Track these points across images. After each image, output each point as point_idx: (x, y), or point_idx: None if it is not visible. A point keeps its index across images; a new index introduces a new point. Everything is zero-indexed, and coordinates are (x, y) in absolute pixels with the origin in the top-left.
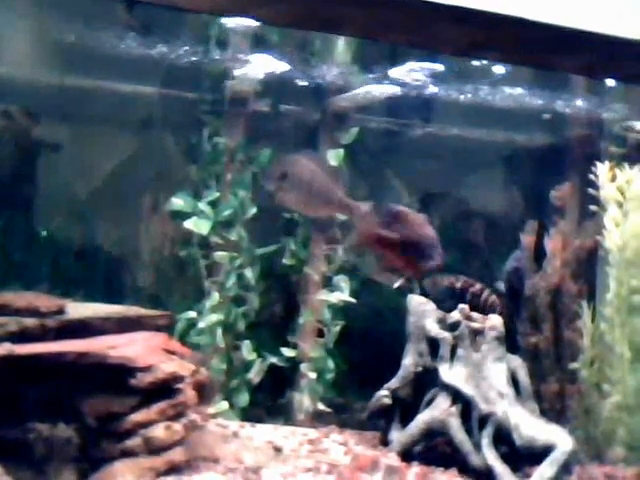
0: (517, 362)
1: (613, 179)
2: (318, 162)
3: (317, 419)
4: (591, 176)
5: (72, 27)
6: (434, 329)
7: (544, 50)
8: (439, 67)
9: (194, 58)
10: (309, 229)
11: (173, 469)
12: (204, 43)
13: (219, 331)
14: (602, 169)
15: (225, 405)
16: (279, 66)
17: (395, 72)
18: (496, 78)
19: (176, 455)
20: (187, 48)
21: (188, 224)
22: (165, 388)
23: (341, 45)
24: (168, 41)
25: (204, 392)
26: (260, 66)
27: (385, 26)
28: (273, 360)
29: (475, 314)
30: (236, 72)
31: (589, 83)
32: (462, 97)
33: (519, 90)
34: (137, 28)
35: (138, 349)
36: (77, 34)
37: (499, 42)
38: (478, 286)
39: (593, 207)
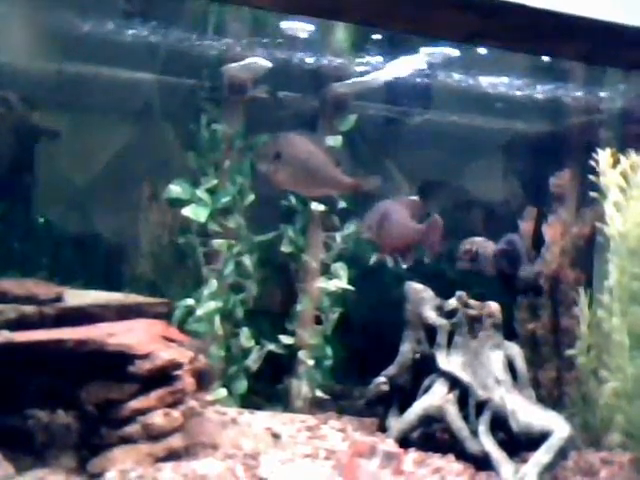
0: (514, 349)
1: (614, 165)
2: (312, 140)
3: (315, 406)
4: (591, 163)
5: (69, 14)
6: (431, 316)
7: (543, 37)
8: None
9: (192, 45)
10: (307, 216)
11: (172, 455)
12: (202, 29)
13: (217, 318)
14: (603, 156)
15: (223, 392)
16: (277, 53)
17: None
18: (495, 66)
19: (175, 441)
20: (185, 35)
21: (186, 212)
22: (164, 375)
23: (340, 32)
24: (166, 28)
25: (203, 379)
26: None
27: (385, 13)
28: (271, 347)
29: (473, 301)
30: (234, 59)
31: (586, 70)
32: (460, 84)
33: (517, 78)
34: (135, 14)
35: (137, 336)
36: (75, 21)
37: (498, 29)
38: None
39: (593, 194)
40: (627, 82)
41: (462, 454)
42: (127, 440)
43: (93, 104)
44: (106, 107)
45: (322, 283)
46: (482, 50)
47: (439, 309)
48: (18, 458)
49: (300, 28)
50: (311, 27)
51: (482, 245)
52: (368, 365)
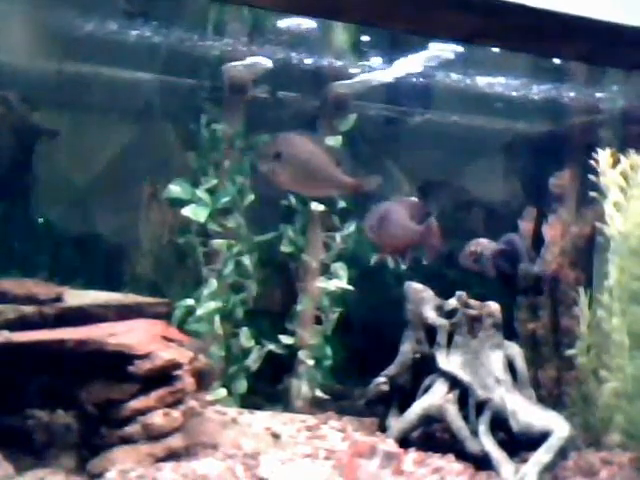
0: (514, 349)
1: (614, 165)
2: (313, 140)
3: (315, 406)
4: (591, 163)
5: (70, 13)
6: (431, 316)
7: (544, 37)
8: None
9: (193, 44)
10: (307, 216)
11: (172, 455)
12: (203, 29)
13: (217, 318)
14: (602, 155)
15: (223, 392)
16: (277, 53)
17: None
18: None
19: (175, 441)
20: (185, 34)
21: (186, 211)
22: (164, 375)
23: (340, 32)
24: (166, 27)
25: (203, 379)
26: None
27: (385, 13)
28: (271, 347)
29: (473, 301)
30: (235, 58)
31: (586, 70)
32: (460, 84)
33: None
34: (135, 14)
35: (137, 337)
36: (75, 21)
37: (499, 29)
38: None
39: (592, 194)
40: (627, 82)
41: (462, 454)
42: (127, 440)
43: (93, 104)
44: (106, 107)
45: (322, 283)
46: (482, 50)
47: (439, 309)
48: (18, 458)
49: (301, 27)
50: (313, 24)
51: (486, 247)
52: (368, 365)
